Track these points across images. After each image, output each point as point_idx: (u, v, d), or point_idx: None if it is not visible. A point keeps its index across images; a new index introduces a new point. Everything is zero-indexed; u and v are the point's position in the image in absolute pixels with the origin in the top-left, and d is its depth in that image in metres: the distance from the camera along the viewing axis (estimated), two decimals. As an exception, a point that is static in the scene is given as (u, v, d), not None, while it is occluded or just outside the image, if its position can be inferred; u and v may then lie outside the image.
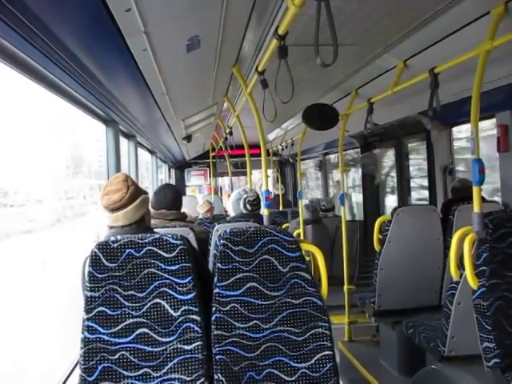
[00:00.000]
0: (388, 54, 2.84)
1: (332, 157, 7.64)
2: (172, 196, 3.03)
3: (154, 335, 1.75)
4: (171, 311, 1.75)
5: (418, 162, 5.04)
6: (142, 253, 1.75)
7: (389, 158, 5.78)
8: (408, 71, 2.88)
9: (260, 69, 2.54)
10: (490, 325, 1.98)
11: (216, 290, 1.82)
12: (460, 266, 2.19)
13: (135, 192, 1.96)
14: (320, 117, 3.74)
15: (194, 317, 1.75)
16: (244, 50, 2.78)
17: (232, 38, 2.47)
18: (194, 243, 2.56)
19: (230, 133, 5.28)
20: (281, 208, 7.60)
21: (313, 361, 1.82)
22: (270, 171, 8.64)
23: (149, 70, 2.51)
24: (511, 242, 2.08)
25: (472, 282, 2.04)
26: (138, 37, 1.95)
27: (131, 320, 1.74)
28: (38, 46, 1.67)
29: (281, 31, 1.97)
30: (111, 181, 1.99)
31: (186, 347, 1.74)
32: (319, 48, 1.53)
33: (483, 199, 2.41)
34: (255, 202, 3.56)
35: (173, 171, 9.08)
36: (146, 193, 2.06)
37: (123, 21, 1.75)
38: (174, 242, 1.76)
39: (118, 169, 3.28)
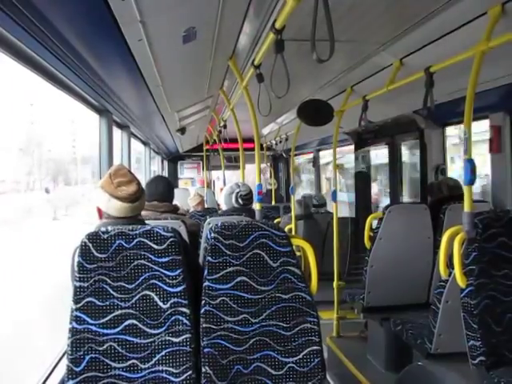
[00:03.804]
0: (384, 51, 2.84)
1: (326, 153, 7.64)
2: (164, 188, 3.03)
3: (143, 327, 1.74)
4: (160, 303, 1.75)
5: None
6: (132, 244, 1.74)
7: (382, 156, 5.79)
8: (404, 69, 2.88)
9: (256, 62, 2.53)
10: (477, 323, 2.00)
11: (206, 283, 1.82)
12: (449, 264, 2.21)
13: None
14: (315, 112, 3.74)
15: (183, 309, 1.75)
16: (240, 43, 2.77)
17: (229, 30, 2.45)
18: (185, 236, 2.56)
19: (225, 126, 5.26)
20: (273, 203, 7.60)
21: (300, 355, 1.83)
22: (263, 165, 8.63)
23: (144, 61, 2.49)
24: (500, 242, 2.10)
25: (460, 280, 2.06)
26: (133, 26, 1.93)
27: (120, 311, 1.74)
28: (33, 33, 1.65)
29: (278, 25, 1.96)
30: (116, 172, 1.98)
31: (175, 339, 1.74)
32: (316, 44, 1.53)
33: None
34: (247, 197, 3.55)
35: (166, 163, 9.04)
36: None
37: (119, 9, 1.73)
38: (165, 234, 1.75)
39: (110, 158, 3.26)
